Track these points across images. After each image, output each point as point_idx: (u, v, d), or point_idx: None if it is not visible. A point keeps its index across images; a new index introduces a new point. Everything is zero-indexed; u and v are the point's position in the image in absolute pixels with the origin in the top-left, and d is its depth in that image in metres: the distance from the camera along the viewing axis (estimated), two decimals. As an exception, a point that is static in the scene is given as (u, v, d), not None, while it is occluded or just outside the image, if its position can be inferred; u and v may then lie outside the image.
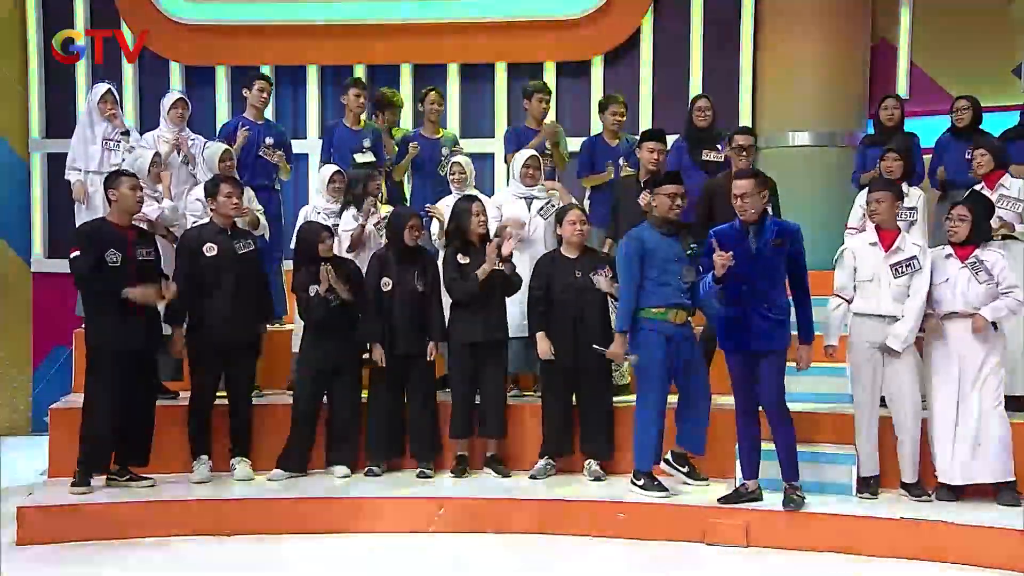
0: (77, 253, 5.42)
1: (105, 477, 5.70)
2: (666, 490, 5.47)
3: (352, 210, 6.30)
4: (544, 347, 5.74)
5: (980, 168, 6.08)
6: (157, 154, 6.26)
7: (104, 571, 4.96)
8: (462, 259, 5.85)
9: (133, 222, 5.64)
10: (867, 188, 6.23)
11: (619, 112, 6.94)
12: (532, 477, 5.87)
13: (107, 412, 5.47)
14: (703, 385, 5.56)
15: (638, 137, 6.65)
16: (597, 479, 5.79)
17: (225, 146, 6.40)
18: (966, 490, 5.34)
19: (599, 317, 5.82)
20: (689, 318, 5.52)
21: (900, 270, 5.36)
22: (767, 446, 5.33)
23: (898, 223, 5.54)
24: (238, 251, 5.78)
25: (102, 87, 6.83)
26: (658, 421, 5.46)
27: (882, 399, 5.52)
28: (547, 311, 5.77)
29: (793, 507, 5.20)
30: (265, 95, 6.95)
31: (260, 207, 6.41)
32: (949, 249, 5.42)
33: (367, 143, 6.88)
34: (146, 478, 5.72)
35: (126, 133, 6.65)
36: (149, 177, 6.09)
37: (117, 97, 6.87)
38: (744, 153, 6.18)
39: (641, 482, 5.50)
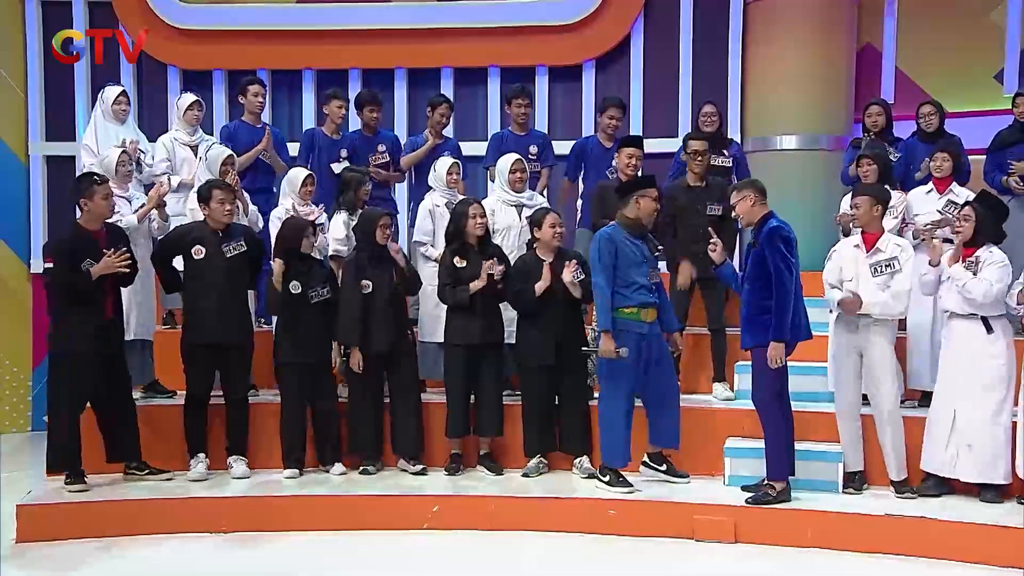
0: (52, 266, 5.50)
1: (123, 471, 5.83)
2: (631, 485, 5.57)
3: (343, 214, 6.34)
4: (547, 276, 5.79)
5: (940, 172, 6.19)
6: (124, 153, 6.29)
7: (102, 568, 5.02)
8: (459, 263, 5.94)
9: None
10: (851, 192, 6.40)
11: (616, 116, 7.02)
12: (525, 475, 5.96)
13: (71, 415, 5.58)
14: (672, 379, 5.73)
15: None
16: (591, 476, 5.86)
17: (229, 151, 6.44)
18: (954, 486, 5.44)
19: (574, 318, 5.94)
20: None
21: (879, 270, 5.48)
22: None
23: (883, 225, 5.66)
24: (226, 254, 5.86)
25: (116, 88, 6.87)
26: (627, 418, 5.58)
27: (866, 397, 5.64)
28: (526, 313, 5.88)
29: (756, 502, 5.34)
30: (260, 99, 7.04)
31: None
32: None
33: (344, 152, 7.00)
34: (164, 471, 5.84)
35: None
36: (117, 177, 6.12)
37: (129, 98, 6.94)
38: (700, 159, 6.37)
39: (607, 478, 5.60)
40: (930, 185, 6.28)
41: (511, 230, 6.37)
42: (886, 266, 5.47)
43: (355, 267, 5.97)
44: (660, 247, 5.70)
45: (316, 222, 6.25)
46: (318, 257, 6.17)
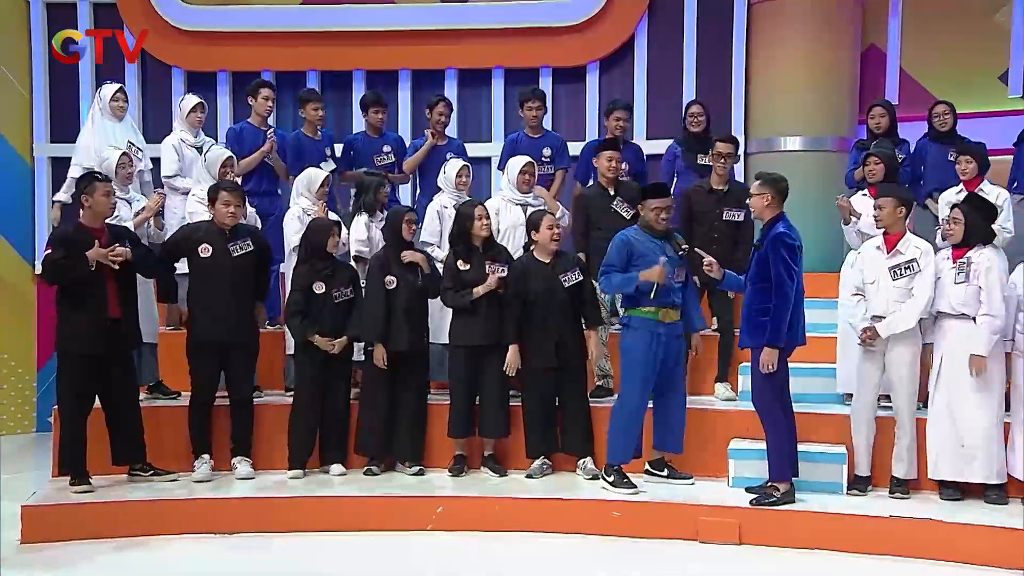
0: (49, 252, 5.50)
1: (128, 472, 5.85)
2: (635, 486, 5.59)
3: (363, 216, 6.35)
4: (513, 359, 5.82)
5: (965, 175, 6.19)
6: (125, 154, 6.28)
7: (106, 569, 5.03)
8: (462, 266, 5.94)
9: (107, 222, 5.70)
10: (858, 189, 6.40)
11: (623, 118, 7.03)
12: (528, 476, 5.96)
13: (75, 415, 5.59)
14: (681, 384, 5.74)
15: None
16: (595, 477, 5.85)
17: (228, 152, 6.44)
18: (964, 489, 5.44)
19: (573, 319, 5.94)
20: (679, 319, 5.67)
21: (899, 272, 5.47)
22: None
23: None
24: (232, 253, 5.87)
25: (113, 86, 6.85)
26: (637, 417, 5.60)
27: (882, 398, 5.63)
28: (521, 317, 5.85)
29: (761, 504, 5.33)
30: (270, 103, 7.04)
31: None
32: (949, 251, 5.54)
33: (328, 151, 7.03)
34: (168, 472, 5.86)
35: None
36: (117, 179, 6.09)
37: (127, 95, 6.94)
38: (723, 160, 6.38)
39: (611, 479, 5.62)
40: (960, 187, 6.25)
41: (516, 229, 6.37)
42: (906, 268, 5.45)
43: (380, 264, 5.99)
44: (685, 246, 5.65)
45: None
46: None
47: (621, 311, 5.78)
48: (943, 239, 5.72)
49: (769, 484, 5.41)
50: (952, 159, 6.54)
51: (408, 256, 5.95)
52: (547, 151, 7.02)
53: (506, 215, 6.39)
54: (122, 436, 5.77)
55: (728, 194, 6.44)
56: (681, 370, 5.73)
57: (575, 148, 7.55)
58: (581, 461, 5.99)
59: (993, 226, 5.55)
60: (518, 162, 6.48)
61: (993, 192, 6.14)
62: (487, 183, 8.32)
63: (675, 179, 7.20)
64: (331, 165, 6.97)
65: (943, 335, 5.48)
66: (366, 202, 6.35)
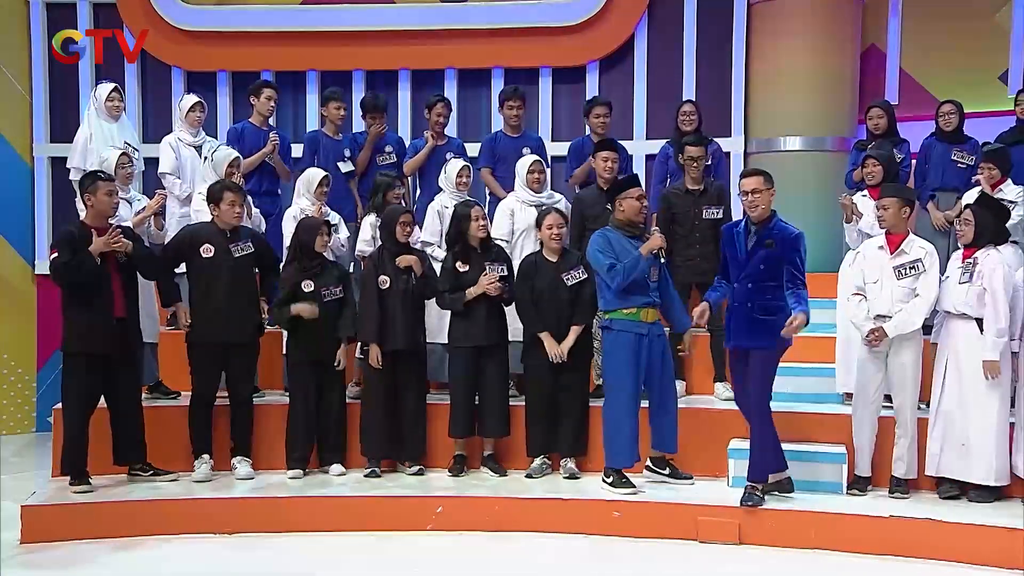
0: (56, 255, 5.51)
1: (127, 472, 5.85)
2: (633, 486, 5.59)
3: (372, 216, 6.36)
4: (552, 347, 5.81)
5: (990, 180, 6.20)
6: (124, 154, 6.29)
7: (107, 569, 5.03)
8: (461, 267, 5.95)
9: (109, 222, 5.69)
10: (858, 190, 6.40)
11: (603, 114, 7.02)
12: (528, 476, 5.96)
13: (81, 414, 5.60)
14: (671, 382, 5.73)
15: None
16: (572, 476, 5.89)
17: (235, 153, 6.45)
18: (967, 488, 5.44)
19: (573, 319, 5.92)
20: (660, 318, 5.69)
21: (903, 272, 5.47)
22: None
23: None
24: (234, 254, 5.88)
25: (108, 85, 6.86)
26: (629, 419, 5.58)
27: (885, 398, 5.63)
28: (537, 312, 5.87)
29: (751, 504, 5.30)
30: (273, 103, 7.07)
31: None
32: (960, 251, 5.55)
33: (347, 152, 7.04)
34: (168, 472, 5.87)
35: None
36: (118, 179, 6.08)
37: (122, 95, 6.94)
38: (695, 164, 6.37)
39: (610, 480, 5.61)
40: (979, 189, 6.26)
41: (531, 230, 6.35)
42: (910, 268, 5.46)
43: (375, 263, 6.00)
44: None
45: (331, 222, 6.30)
46: (331, 257, 6.20)
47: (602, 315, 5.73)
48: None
49: (750, 484, 5.38)
50: (956, 158, 6.54)
51: (402, 261, 5.95)
52: (526, 150, 6.99)
53: (521, 216, 6.41)
54: (123, 436, 5.78)
55: (705, 193, 6.43)
56: (669, 369, 5.72)
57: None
58: (563, 460, 6.00)
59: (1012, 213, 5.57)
60: (526, 161, 6.52)
61: (1013, 191, 6.17)
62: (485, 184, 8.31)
63: (668, 180, 7.18)
64: (349, 166, 6.99)
65: (948, 335, 5.49)
66: (376, 203, 6.37)
